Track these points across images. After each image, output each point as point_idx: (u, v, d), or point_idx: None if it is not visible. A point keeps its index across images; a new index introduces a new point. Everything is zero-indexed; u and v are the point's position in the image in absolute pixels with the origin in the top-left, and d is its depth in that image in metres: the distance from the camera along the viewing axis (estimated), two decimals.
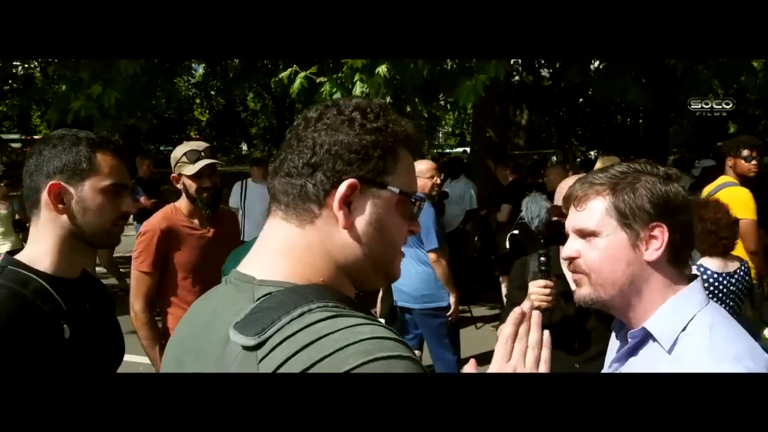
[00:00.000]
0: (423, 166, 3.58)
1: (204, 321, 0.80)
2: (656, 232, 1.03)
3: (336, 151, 0.76)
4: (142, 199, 6.99)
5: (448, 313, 3.57)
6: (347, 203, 0.76)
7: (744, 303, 2.63)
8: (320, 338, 0.65)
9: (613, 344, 1.20)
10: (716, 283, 2.50)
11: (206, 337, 0.76)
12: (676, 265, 1.06)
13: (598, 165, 5.17)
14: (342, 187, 0.76)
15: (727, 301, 2.51)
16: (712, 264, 2.52)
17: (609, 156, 5.38)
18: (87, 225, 1.26)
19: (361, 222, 0.78)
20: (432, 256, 3.48)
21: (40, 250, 1.24)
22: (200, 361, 0.76)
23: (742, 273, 2.55)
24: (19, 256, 1.23)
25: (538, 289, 1.74)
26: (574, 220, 1.11)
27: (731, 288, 2.49)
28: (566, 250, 1.12)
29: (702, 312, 1.02)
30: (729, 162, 3.72)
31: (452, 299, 3.57)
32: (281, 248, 0.79)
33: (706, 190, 3.80)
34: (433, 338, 3.68)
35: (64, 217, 1.24)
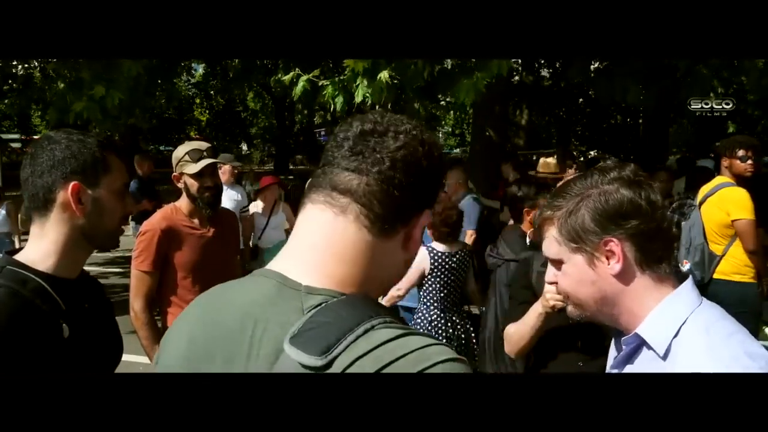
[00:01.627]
0: None
1: (234, 325, 0.74)
2: (609, 246, 1.02)
3: (428, 181, 0.80)
4: (145, 201, 6.96)
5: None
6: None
7: (467, 276, 3.49)
8: (396, 360, 0.64)
9: (612, 350, 1.20)
10: (441, 260, 3.35)
11: (241, 345, 0.72)
12: (651, 267, 1.03)
13: (539, 168, 5.25)
14: (426, 215, 0.81)
15: (450, 274, 3.35)
16: (440, 246, 3.37)
17: (547, 160, 5.41)
18: (100, 225, 1.27)
19: (413, 245, 0.82)
20: None
21: (44, 249, 1.23)
22: (235, 369, 0.72)
23: (462, 254, 3.40)
24: (18, 256, 1.23)
25: (554, 288, 1.71)
26: (543, 248, 1.14)
27: (453, 264, 3.36)
28: (547, 276, 1.16)
29: (695, 314, 1.00)
30: (725, 162, 3.71)
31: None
32: (348, 255, 0.76)
33: (703, 191, 3.80)
34: None
35: (80, 217, 1.24)
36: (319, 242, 0.77)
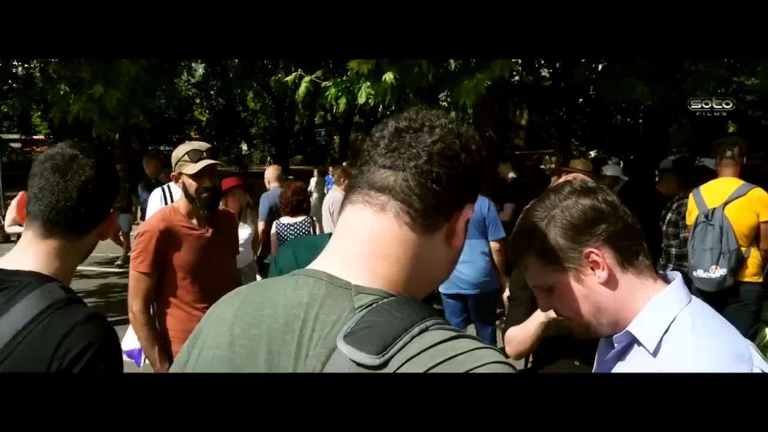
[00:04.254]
0: None
1: (278, 325, 0.73)
2: (592, 258, 1.03)
3: (468, 174, 0.79)
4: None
5: (505, 295, 4.01)
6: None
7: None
8: (446, 360, 0.65)
9: (601, 348, 1.20)
10: (286, 230, 4.38)
11: (288, 346, 0.71)
12: (631, 263, 1.04)
13: (573, 166, 5.31)
14: (468, 209, 0.80)
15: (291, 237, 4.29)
16: (285, 219, 4.46)
17: (579, 159, 5.50)
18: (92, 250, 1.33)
19: (457, 240, 0.81)
20: (498, 245, 4.01)
21: (65, 266, 1.21)
22: (280, 370, 0.71)
23: (302, 223, 4.42)
24: (48, 272, 1.18)
25: None
26: (528, 280, 1.15)
27: (294, 231, 4.38)
28: (541, 306, 1.16)
29: (684, 312, 1.01)
30: (740, 162, 3.69)
31: (507, 282, 3.99)
32: (392, 253, 0.76)
33: (719, 193, 3.70)
34: (483, 317, 4.16)
35: (98, 240, 1.28)
36: (363, 241, 0.76)
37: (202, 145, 2.55)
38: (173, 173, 2.55)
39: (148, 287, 2.44)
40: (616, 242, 1.03)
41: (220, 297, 0.86)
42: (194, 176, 2.47)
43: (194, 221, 2.54)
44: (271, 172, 5.62)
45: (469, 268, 3.94)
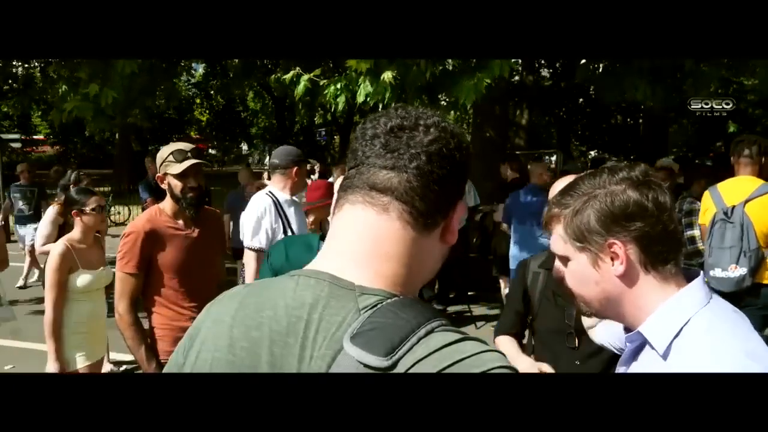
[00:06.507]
0: None
1: (280, 327, 0.73)
2: (613, 248, 1.02)
3: (461, 172, 0.80)
4: (149, 201, 6.96)
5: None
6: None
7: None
8: (454, 363, 0.65)
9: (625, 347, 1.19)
10: None
11: (291, 348, 0.71)
12: (656, 268, 1.02)
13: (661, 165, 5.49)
14: (460, 206, 0.81)
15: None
16: None
17: (668, 159, 5.58)
18: None
19: (450, 236, 0.82)
20: None
21: None
22: (285, 368, 0.71)
23: None
24: None
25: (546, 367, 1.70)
26: (550, 244, 1.15)
27: None
28: (555, 270, 1.16)
29: (699, 314, 0.99)
30: (759, 161, 3.57)
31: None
32: (395, 253, 0.76)
33: (738, 191, 3.59)
34: None
35: None
36: (365, 241, 0.76)
37: (186, 146, 2.56)
38: (158, 174, 2.55)
39: (134, 288, 2.45)
40: (646, 243, 1.01)
41: (208, 296, 0.85)
42: (179, 176, 2.47)
43: (180, 222, 2.54)
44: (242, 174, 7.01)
45: (528, 251, 4.87)
